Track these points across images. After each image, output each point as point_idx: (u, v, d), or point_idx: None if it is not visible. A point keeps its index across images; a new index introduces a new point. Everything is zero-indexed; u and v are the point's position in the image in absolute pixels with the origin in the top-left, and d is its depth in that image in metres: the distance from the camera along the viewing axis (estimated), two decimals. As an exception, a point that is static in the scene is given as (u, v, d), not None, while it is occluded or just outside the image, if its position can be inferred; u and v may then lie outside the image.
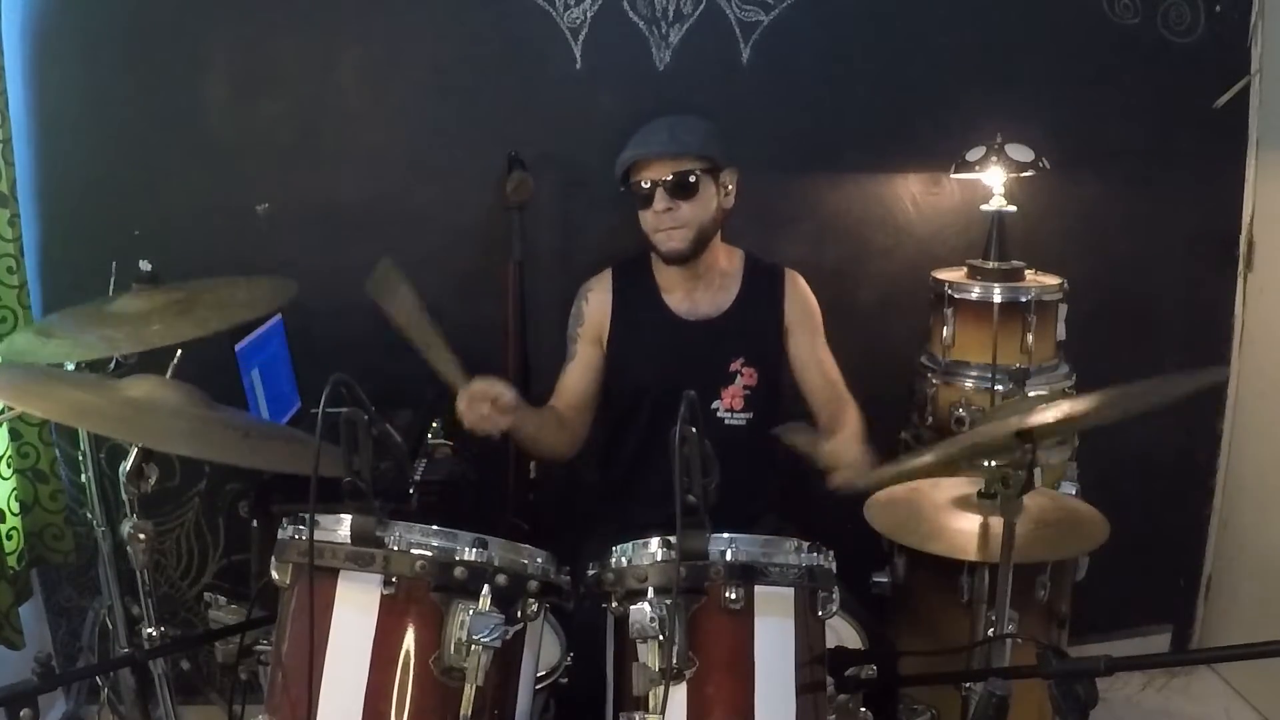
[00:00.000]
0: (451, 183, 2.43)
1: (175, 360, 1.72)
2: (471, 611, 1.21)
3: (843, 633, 1.79)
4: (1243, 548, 2.75)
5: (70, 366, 1.70)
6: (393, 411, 2.26)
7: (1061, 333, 2.35)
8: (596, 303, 2.17)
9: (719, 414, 2.11)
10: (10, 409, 2.12)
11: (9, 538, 2.21)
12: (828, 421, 2.09)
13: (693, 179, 2.03)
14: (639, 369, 2.13)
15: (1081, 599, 2.26)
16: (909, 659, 1.86)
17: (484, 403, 1.79)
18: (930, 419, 2.36)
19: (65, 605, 2.54)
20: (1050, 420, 1.50)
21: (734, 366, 2.11)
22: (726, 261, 2.17)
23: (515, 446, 2.25)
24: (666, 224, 2.04)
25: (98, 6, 2.28)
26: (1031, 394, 1.97)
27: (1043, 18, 2.50)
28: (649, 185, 2.03)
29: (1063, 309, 2.34)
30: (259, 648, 1.55)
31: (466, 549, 1.24)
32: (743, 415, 2.12)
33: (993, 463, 1.59)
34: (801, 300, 2.20)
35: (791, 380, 2.20)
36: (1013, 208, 2.35)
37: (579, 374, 2.16)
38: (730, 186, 2.10)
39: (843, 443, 1.88)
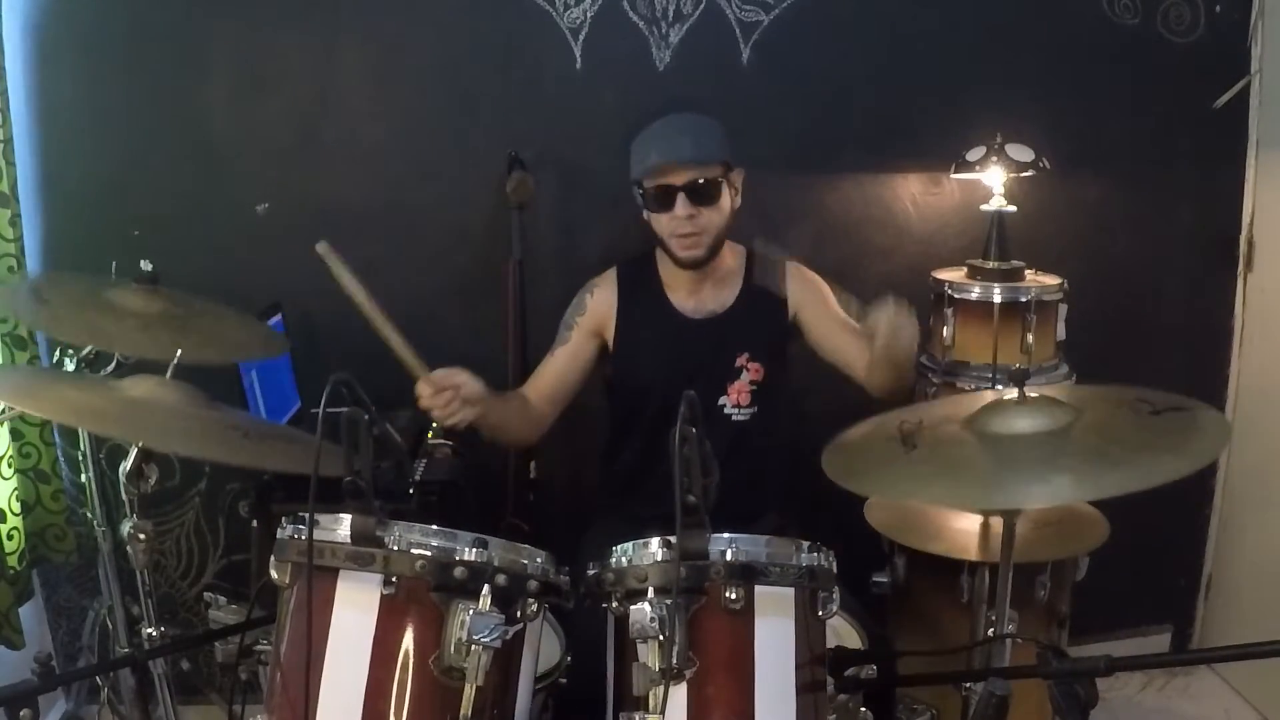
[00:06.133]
0: (451, 183, 2.43)
1: (175, 360, 1.72)
2: (471, 611, 1.21)
3: (843, 633, 1.79)
4: (1243, 548, 2.75)
5: (70, 366, 1.71)
6: (393, 411, 2.26)
7: (1061, 333, 2.35)
8: (601, 298, 2.15)
9: (725, 410, 2.11)
10: (11, 408, 2.13)
11: (10, 538, 2.21)
12: (860, 356, 2.02)
13: (715, 185, 2.01)
14: (646, 368, 2.12)
15: (1081, 599, 2.25)
16: (909, 659, 1.86)
17: (447, 392, 1.78)
18: (930, 419, 2.36)
19: (65, 605, 2.54)
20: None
21: (740, 362, 2.11)
22: (731, 258, 2.16)
23: (531, 458, 2.29)
24: (687, 230, 2.01)
25: (98, 6, 2.28)
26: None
27: (1043, 18, 2.50)
28: (670, 191, 1.99)
29: (1063, 309, 2.34)
30: (259, 648, 1.54)
31: (466, 549, 1.24)
32: (748, 410, 2.12)
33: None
34: (804, 281, 2.18)
35: (797, 374, 2.20)
36: (1013, 208, 2.35)
37: (564, 362, 2.13)
38: (738, 186, 2.09)
39: (882, 308, 1.77)
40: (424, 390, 1.78)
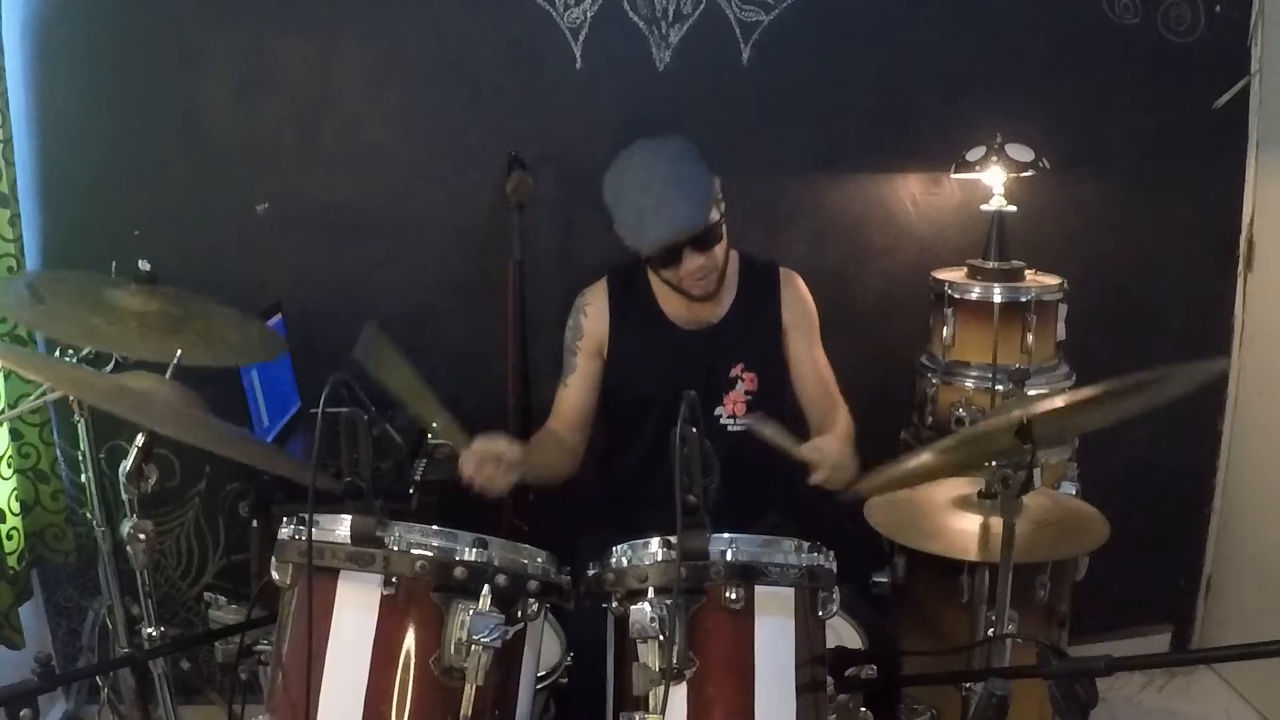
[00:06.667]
0: (451, 183, 2.43)
1: (175, 360, 1.72)
2: (471, 611, 1.21)
3: (843, 633, 1.78)
4: (1243, 548, 2.75)
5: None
6: (393, 411, 2.26)
7: (1061, 333, 2.35)
8: (595, 315, 2.13)
9: (721, 420, 2.09)
10: (11, 407, 2.13)
11: (9, 538, 2.21)
12: (818, 422, 2.08)
13: (718, 225, 1.96)
14: (640, 380, 2.10)
15: (1081, 599, 2.25)
16: (909, 659, 1.86)
17: (490, 463, 1.75)
18: (930, 419, 2.36)
19: (65, 605, 2.54)
20: (1048, 410, 1.50)
21: (735, 372, 2.09)
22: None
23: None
24: (700, 276, 1.98)
25: (98, 6, 2.28)
26: (1031, 393, 1.96)
27: (1043, 18, 2.50)
28: (675, 247, 1.94)
29: (1063, 309, 2.34)
30: (259, 648, 1.54)
31: (466, 549, 1.24)
32: (745, 421, 2.10)
33: (993, 462, 1.59)
34: (799, 301, 2.17)
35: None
36: (1013, 208, 2.35)
37: (579, 388, 2.12)
38: (719, 192, 2.02)
39: (825, 443, 1.86)
40: (467, 465, 1.74)
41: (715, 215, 1.97)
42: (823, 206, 2.56)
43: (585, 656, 1.64)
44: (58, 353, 1.76)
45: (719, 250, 1.99)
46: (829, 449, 1.83)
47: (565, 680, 1.69)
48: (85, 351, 1.69)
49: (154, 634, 1.66)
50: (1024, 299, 2.26)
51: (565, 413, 2.12)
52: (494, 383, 2.37)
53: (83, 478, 1.80)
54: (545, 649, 1.50)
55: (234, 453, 1.58)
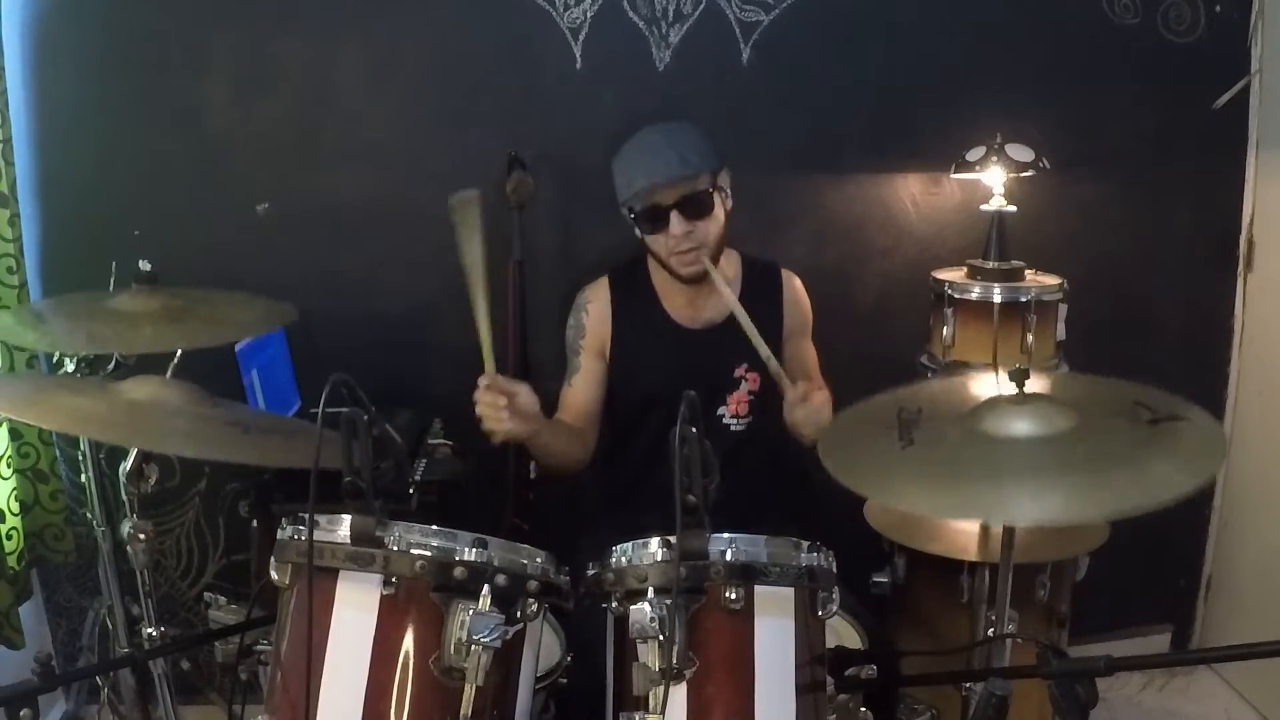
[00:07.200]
0: (451, 183, 2.41)
1: (175, 360, 1.72)
2: (471, 611, 1.21)
3: (843, 633, 1.79)
4: (1243, 548, 2.75)
5: (70, 367, 1.71)
6: (393, 411, 2.26)
7: (1061, 333, 2.35)
8: (596, 314, 2.13)
9: (724, 420, 2.09)
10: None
11: (9, 538, 2.21)
12: None
13: (706, 196, 1.97)
14: (643, 380, 2.10)
15: (1081, 599, 2.25)
16: (909, 659, 1.86)
17: (501, 396, 1.76)
18: (930, 419, 2.36)
19: (65, 605, 2.54)
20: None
21: (738, 372, 2.09)
22: (728, 267, 2.13)
23: (531, 458, 2.22)
24: (685, 246, 1.97)
25: (98, 6, 2.28)
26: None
27: (1043, 18, 2.50)
28: (662, 210, 1.95)
29: (1063, 309, 2.34)
30: (259, 648, 1.55)
31: (466, 549, 1.25)
32: (746, 420, 2.11)
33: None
34: (798, 305, 2.18)
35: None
36: (1013, 208, 2.35)
37: (583, 388, 2.12)
38: (728, 188, 2.05)
39: (818, 391, 1.88)
40: (480, 385, 1.77)
41: (707, 185, 1.97)
42: (823, 206, 2.56)
43: (585, 656, 1.64)
44: (57, 353, 1.76)
45: (709, 226, 1.98)
46: (817, 396, 1.85)
47: (565, 680, 1.69)
48: (84, 353, 1.69)
49: (154, 634, 1.66)
50: (1024, 299, 2.25)
51: (570, 409, 2.12)
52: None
53: (83, 478, 1.80)
54: (545, 649, 1.50)
55: (239, 456, 1.57)
